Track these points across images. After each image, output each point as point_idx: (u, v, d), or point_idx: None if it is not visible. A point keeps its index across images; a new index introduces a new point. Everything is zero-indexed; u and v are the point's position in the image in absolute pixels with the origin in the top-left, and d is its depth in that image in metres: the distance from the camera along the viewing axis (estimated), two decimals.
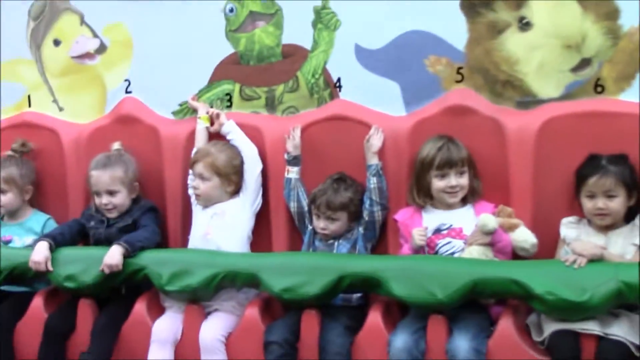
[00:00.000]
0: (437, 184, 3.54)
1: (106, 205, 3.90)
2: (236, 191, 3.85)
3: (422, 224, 3.55)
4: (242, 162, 3.84)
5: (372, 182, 3.64)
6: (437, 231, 3.53)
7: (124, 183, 3.90)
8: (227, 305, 3.67)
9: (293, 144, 3.80)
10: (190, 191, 3.91)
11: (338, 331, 3.42)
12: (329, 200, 3.65)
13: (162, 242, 3.95)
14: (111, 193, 3.89)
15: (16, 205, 4.15)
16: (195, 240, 3.84)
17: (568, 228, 3.41)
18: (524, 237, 3.39)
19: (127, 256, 3.63)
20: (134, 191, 3.95)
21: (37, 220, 4.16)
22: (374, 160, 3.66)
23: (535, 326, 3.26)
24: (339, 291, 3.44)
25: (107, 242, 3.80)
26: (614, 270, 3.08)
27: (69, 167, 4.21)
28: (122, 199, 3.91)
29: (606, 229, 3.33)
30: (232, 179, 3.81)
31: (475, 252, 3.38)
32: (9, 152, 4.21)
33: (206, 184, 3.80)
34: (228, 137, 3.90)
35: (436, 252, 3.51)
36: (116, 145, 4.03)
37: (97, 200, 3.91)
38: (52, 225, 4.13)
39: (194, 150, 3.92)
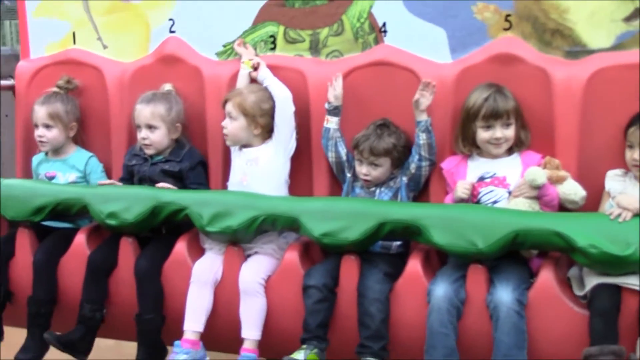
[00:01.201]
0: (482, 134, 3.51)
1: (144, 140, 3.93)
2: (267, 136, 3.84)
3: (467, 172, 3.53)
4: (272, 107, 3.81)
5: (422, 138, 3.61)
6: (481, 179, 3.51)
7: (165, 120, 3.92)
8: (267, 248, 3.69)
9: (334, 94, 3.77)
10: None
11: (377, 277, 3.43)
12: (372, 145, 3.64)
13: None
14: (150, 128, 3.91)
15: (61, 142, 4.18)
16: (233, 186, 3.86)
17: (613, 181, 3.37)
18: (573, 189, 3.36)
19: None
20: (175, 132, 3.96)
21: (81, 157, 4.19)
22: (423, 117, 3.61)
23: (577, 280, 3.24)
24: (379, 237, 3.43)
25: (151, 181, 3.84)
26: None
27: (112, 105, 4.22)
28: (160, 136, 3.92)
29: None
30: (258, 121, 3.80)
31: (521, 204, 3.36)
32: (54, 89, 4.22)
33: (233, 123, 3.81)
34: (264, 84, 3.88)
35: (478, 200, 3.49)
36: (167, 87, 4.04)
37: (138, 135, 3.95)
38: (95, 162, 4.16)
39: None
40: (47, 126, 4.14)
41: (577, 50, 3.56)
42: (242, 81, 3.94)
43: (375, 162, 3.65)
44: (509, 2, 3.63)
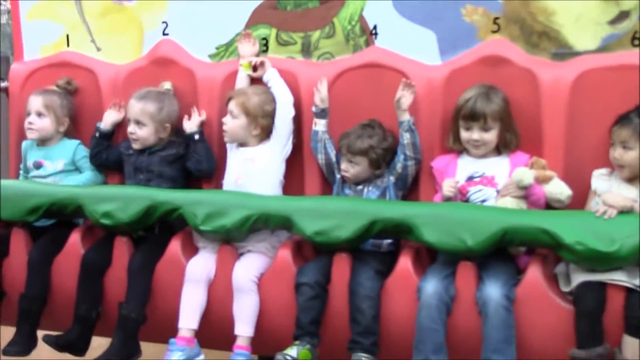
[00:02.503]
0: (463, 134, 3.59)
1: (131, 134, 4.00)
2: (265, 137, 3.90)
3: (456, 171, 3.59)
4: (274, 109, 3.87)
5: (406, 137, 3.67)
6: (470, 178, 3.58)
7: (153, 119, 3.97)
8: (260, 247, 3.74)
9: (320, 97, 3.83)
10: None
11: (368, 275, 3.49)
12: (349, 143, 3.71)
13: (197, 184, 4.04)
14: (138, 123, 3.98)
15: (50, 133, 4.21)
16: (228, 185, 3.92)
17: (599, 180, 3.44)
18: (559, 189, 3.42)
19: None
20: (163, 131, 4.01)
21: (68, 145, 4.22)
22: (405, 117, 3.67)
23: (563, 276, 3.31)
24: (370, 236, 3.49)
25: (147, 172, 3.95)
26: None
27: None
28: (147, 133, 3.98)
29: (636, 180, 3.36)
30: (259, 121, 3.86)
31: (509, 203, 3.42)
32: (54, 87, 4.27)
33: (234, 121, 3.87)
34: (268, 84, 3.94)
35: (467, 199, 3.55)
36: (166, 85, 4.11)
37: (128, 127, 4.02)
38: (83, 149, 4.20)
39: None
40: (40, 114, 4.18)
41: (563, 52, 3.62)
42: (241, 83, 4.00)
43: (352, 159, 3.72)
44: (497, 5, 3.70)
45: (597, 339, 3.15)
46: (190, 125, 4.03)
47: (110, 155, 4.15)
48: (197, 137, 3.99)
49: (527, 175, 3.41)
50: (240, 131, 3.88)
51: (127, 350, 3.70)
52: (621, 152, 3.33)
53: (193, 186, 4.04)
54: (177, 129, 4.06)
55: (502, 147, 3.60)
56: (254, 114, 3.85)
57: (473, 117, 3.52)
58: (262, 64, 3.97)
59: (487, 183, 3.56)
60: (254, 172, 3.85)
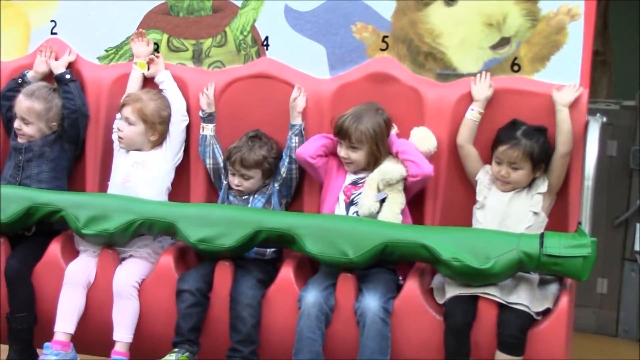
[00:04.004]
0: (337, 147, 3.64)
1: (17, 130, 3.92)
2: (159, 142, 3.89)
3: (345, 177, 3.66)
4: (169, 114, 3.87)
5: (294, 141, 3.72)
6: (354, 183, 3.64)
7: (40, 118, 3.90)
8: (142, 252, 3.72)
9: (207, 101, 3.85)
10: (115, 135, 3.92)
11: (250, 284, 3.52)
12: (242, 157, 3.72)
13: (80, 187, 3.99)
14: (24, 121, 3.90)
15: None
16: (114, 186, 3.87)
17: (485, 175, 3.57)
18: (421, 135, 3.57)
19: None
20: (49, 129, 3.94)
21: None
22: (297, 120, 3.74)
23: (439, 289, 3.41)
24: (254, 245, 3.53)
25: (28, 151, 3.89)
26: (516, 241, 3.25)
27: None
28: (32, 131, 3.91)
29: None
30: (157, 128, 3.85)
31: (392, 167, 3.52)
32: None
33: (131, 128, 3.83)
34: (161, 87, 3.92)
35: (351, 201, 3.61)
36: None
37: (15, 122, 3.94)
38: None
39: (125, 94, 3.92)
40: None
41: (447, 73, 3.75)
42: (133, 84, 3.96)
43: (247, 173, 3.73)
44: (387, 24, 3.80)
45: (464, 354, 3.28)
46: (58, 65, 3.97)
47: (9, 111, 4.01)
48: (67, 76, 3.94)
49: (392, 170, 3.52)
50: (137, 137, 3.84)
51: (26, 357, 3.66)
52: (508, 170, 3.46)
53: (74, 180, 4.00)
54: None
55: (372, 165, 3.62)
56: (151, 121, 3.83)
57: (340, 134, 3.59)
58: (155, 61, 3.95)
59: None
60: (142, 175, 3.82)
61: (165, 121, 3.86)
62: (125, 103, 3.85)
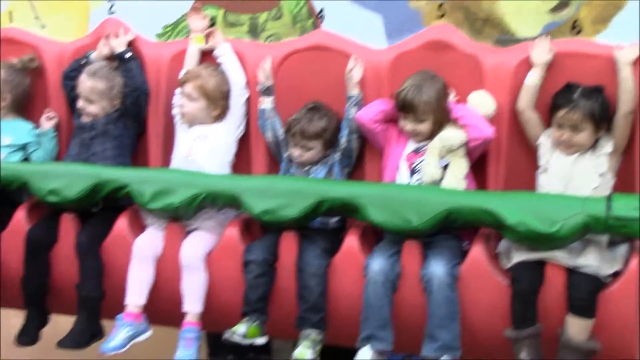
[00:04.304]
0: (400, 122, 3.65)
1: (82, 109, 3.99)
2: (221, 116, 3.93)
3: (406, 145, 3.66)
4: (229, 89, 3.90)
5: (352, 112, 3.74)
6: (416, 151, 3.65)
7: (103, 97, 3.96)
8: (207, 225, 3.77)
9: (265, 75, 3.88)
10: (175, 110, 3.97)
11: (315, 253, 3.55)
12: (302, 129, 3.74)
13: (143, 163, 4.05)
14: (88, 100, 3.96)
15: None
16: (178, 160, 3.92)
17: (547, 139, 3.55)
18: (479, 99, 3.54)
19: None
20: (112, 108, 4.00)
21: (21, 125, 4.15)
22: (355, 91, 3.75)
23: (506, 254, 3.42)
24: (318, 215, 3.55)
25: (92, 129, 3.95)
26: (582, 204, 3.23)
27: (51, 85, 4.19)
28: (96, 109, 3.97)
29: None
30: (219, 103, 3.88)
31: (452, 133, 3.52)
32: (15, 61, 4.19)
33: (193, 104, 3.87)
34: (219, 60, 3.95)
35: (414, 169, 3.63)
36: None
37: (78, 101, 4.00)
38: (34, 135, 4.12)
39: (184, 70, 3.96)
40: None
41: (506, 39, 3.73)
42: (191, 60, 4.00)
43: (307, 145, 3.75)
44: None
45: (530, 320, 3.27)
46: (118, 44, 4.02)
47: (72, 91, 4.08)
48: (128, 55, 3.99)
49: (452, 135, 3.51)
50: (200, 113, 3.89)
51: (91, 331, 3.74)
52: (570, 134, 3.44)
53: (138, 156, 4.06)
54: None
55: (436, 133, 3.62)
56: (213, 97, 3.86)
57: (404, 108, 3.59)
58: (213, 34, 3.97)
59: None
60: (205, 148, 3.87)
61: (226, 96, 3.89)
62: (185, 80, 3.89)
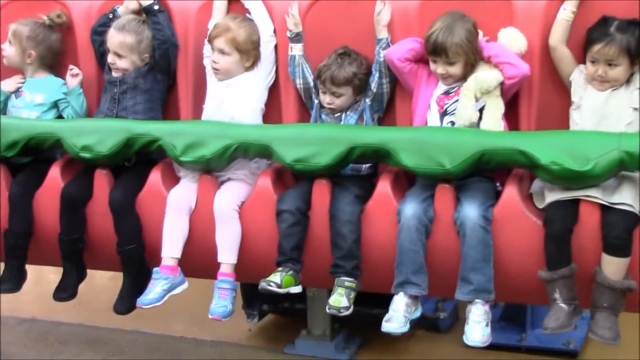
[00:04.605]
0: (431, 65, 3.60)
1: (112, 64, 4.00)
2: (253, 66, 3.91)
3: (436, 86, 3.63)
4: (259, 38, 3.88)
5: (382, 55, 3.69)
6: (446, 93, 3.61)
7: (132, 51, 3.95)
8: (240, 175, 3.78)
9: (293, 21, 3.84)
10: (206, 61, 3.96)
11: (348, 200, 3.54)
12: (333, 75, 3.71)
13: (174, 116, 4.06)
14: (117, 55, 3.96)
15: (17, 62, 4.17)
16: (209, 109, 3.92)
17: (580, 75, 3.48)
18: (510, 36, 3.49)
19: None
20: (141, 61, 4.00)
21: (53, 81, 4.17)
22: (383, 34, 3.71)
23: (539, 195, 3.38)
24: (349, 161, 3.55)
25: (122, 83, 3.96)
26: (616, 140, 3.18)
27: (80, 42, 4.20)
28: (126, 64, 3.97)
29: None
30: (251, 53, 3.87)
31: (487, 73, 3.48)
32: (44, 17, 4.19)
33: (226, 58, 3.85)
34: (247, 6, 3.93)
35: (445, 110, 3.59)
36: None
37: (108, 56, 4.01)
38: (65, 89, 4.13)
39: (212, 22, 3.93)
40: (9, 40, 4.15)
41: None
42: (218, 9, 3.97)
43: (338, 91, 3.73)
44: None
45: (564, 261, 3.25)
46: None
47: (101, 46, 4.09)
48: (156, 7, 3.98)
49: (489, 78, 3.46)
50: (234, 66, 3.87)
51: (141, 283, 3.78)
52: (605, 69, 3.37)
53: (168, 109, 4.06)
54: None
55: (468, 74, 3.57)
56: (245, 49, 3.84)
57: (435, 52, 3.53)
58: None
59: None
60: (236, 96, 3.86)
61: (257, 45, 3.87)
62: (216, 35, 3.86)
